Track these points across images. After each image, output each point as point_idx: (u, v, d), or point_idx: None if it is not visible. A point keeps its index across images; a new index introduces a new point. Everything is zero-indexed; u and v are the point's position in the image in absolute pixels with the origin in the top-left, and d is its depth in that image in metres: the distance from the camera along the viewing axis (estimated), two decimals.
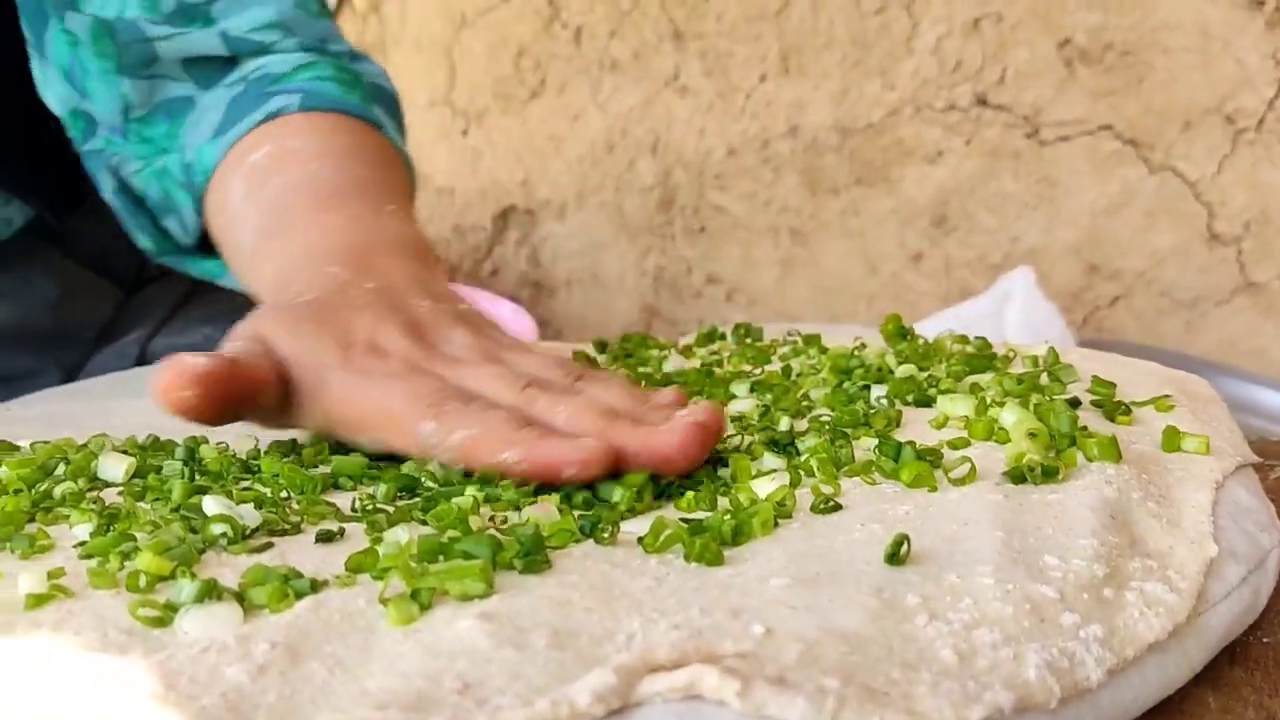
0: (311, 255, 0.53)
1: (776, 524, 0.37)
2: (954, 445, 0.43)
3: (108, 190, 0.70)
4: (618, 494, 0.39)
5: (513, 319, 1.51)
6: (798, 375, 0.57)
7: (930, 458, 0.41)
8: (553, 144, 1.65)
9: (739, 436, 0.46)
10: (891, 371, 0.55)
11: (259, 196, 0.61)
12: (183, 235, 0.70)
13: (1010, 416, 0.43)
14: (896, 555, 0.33)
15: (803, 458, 0.43)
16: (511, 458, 0.40)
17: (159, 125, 0.67)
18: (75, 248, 0.84)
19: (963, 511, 0.36)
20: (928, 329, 0.72)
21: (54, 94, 0.68)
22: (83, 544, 0.36)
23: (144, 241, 0.73)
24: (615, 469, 0.39)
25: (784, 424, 0.47)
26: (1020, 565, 0.32)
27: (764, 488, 0.40)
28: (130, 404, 0.65)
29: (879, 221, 1.46)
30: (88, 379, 0.81)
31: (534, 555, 0.33)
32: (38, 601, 0.32)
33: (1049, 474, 0.38)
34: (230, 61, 0.67)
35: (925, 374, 0.54)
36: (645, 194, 1.61)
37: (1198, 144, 1.26)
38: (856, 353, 0.58)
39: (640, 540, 0.35)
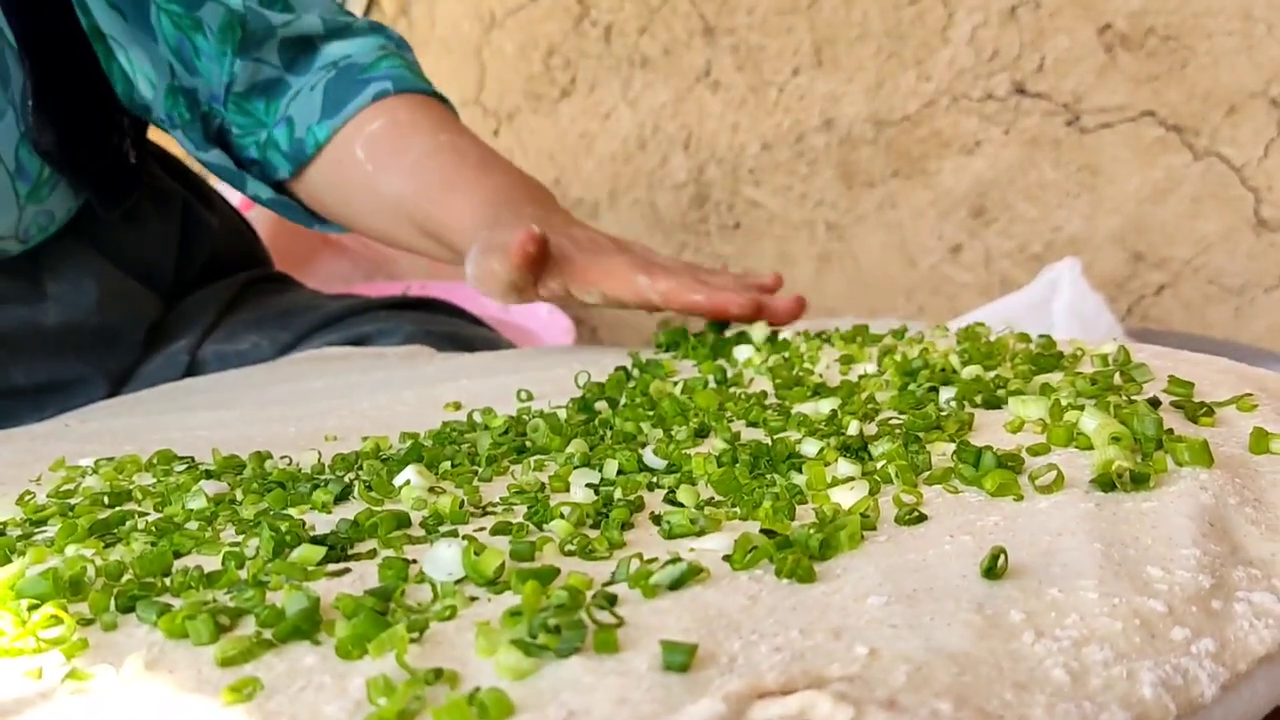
0: (500, 203, 0.74)
1: (862, 536, 0.36)
2: (1033, 451, 0.42)
3: (200, 148, 0.82)
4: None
5: (549, 318, 1.50)
6: (860, 377, 0.56)
7: (1011, 464, 0.40)
8: (584, 142, 1.65)
9: (809, 442, 0.46)
10: (956, 372, 0.54)
11: (399, 159, 0.78)
12: (258, 190, 0.85)
13: (1091, 421, 0.42)
14: (994, 569, 0.32)
15: (878, 464, 0.43)
16: (699, 299, 0.67)
17: (257, 103, 0.82)
18: (116, 255, 0.85)
19: (1054, 522, 0.35)
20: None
21: (145, 75, 0.78)
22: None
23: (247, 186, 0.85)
24: (756, 316, 0.67)
25: (853, 428, 0.47)
26: (1124, 578, 0.31)
27: (844, 498, 0.39)
28: (187, 417, 0.65)
29: (917, 214, 1.44)
30: (140, 389, 0.81)
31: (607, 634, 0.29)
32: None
33: (1139, 481, 0.37)
34: (313, 46, 0.82)
35: (992, 374, 0.53)
36: (679, 190, 1.60)
37: (1243, 128, 1.24)
38: (922, 354, 0.57)
39: (726, 558, 0.34)
